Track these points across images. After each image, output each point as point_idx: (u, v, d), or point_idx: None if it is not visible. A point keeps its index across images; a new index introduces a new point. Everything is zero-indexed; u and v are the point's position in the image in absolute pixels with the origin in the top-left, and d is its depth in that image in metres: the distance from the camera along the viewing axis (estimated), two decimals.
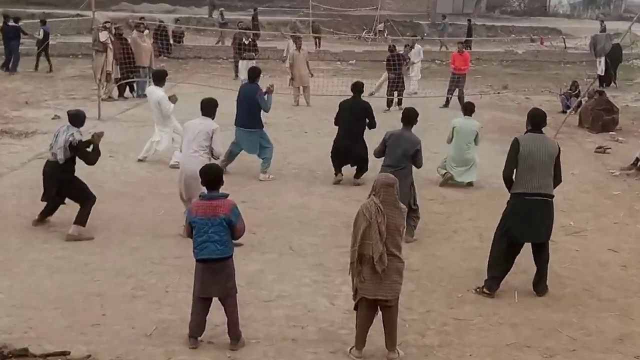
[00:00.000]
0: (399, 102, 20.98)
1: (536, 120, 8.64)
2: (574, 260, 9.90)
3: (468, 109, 13.37)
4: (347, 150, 12.98)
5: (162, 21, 32.52)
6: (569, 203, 12.38)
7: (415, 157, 10.26)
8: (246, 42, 22.84)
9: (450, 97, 21.70)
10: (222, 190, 7.28)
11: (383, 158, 10.50)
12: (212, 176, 7.20)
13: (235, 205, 7.14)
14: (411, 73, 23.22)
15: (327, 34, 40.34)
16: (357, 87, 13.30)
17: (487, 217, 11.39)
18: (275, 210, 11.57)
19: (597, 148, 16.63)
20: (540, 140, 8.46)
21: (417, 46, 23.69)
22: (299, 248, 9.99)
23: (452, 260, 9.77)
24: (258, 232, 10.39)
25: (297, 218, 11.24)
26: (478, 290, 8.68)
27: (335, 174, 13.14)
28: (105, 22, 21.09)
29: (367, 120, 13.03)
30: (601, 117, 18.88)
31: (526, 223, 8.44)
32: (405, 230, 7.16)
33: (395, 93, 21.18)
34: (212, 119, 10.37)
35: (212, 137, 10.11)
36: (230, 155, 13.29)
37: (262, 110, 13.19)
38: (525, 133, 8.68)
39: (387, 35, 38.85)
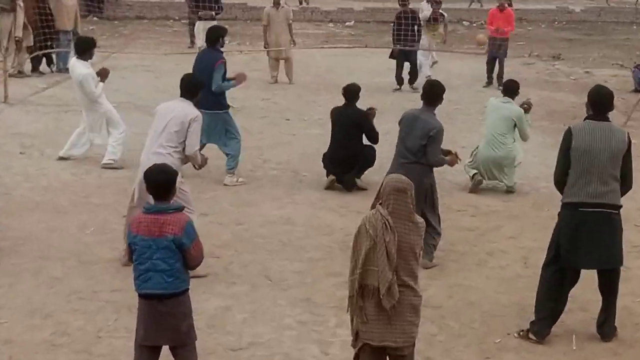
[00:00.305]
0: (412, 79, 20.99)
1: (599, 101, 8.48)
2: None
3: (509, 89, 13.38)
4: (343, 164, 13.12)
5: None
6: None
7: (426, 147, 10.05)
8: None
9: (491, 72, 21.64)
10: (175, 200, 7.25)
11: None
12: (160, 181, 7.06)
13: (190, 222, 7.03)
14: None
15: None
16: (349, 93, 13.25)
17: (533, 234, 11.44)
18: (247, 225, 11.58)
19: None
20: (602, 131, 8.32)
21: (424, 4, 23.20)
22: (278, 277, 9.98)
23: (487, 292, 9.78)
24: (223, 255, 10.39)
25: (276, 236, 11.23)
26: (522, 334, 8.69)
27: (328, 175, 13.18)
28: None
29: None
30: None
31: (581, 243, 8.36)
32: (422, 252, 7.15)
33: (407, 65, 21.16)
34: (195, 104, 10.03)
35: (188, 130, 9.66)
36: None
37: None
38: (584, 120, 8.56)
39: None
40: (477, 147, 13.37)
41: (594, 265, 8.55)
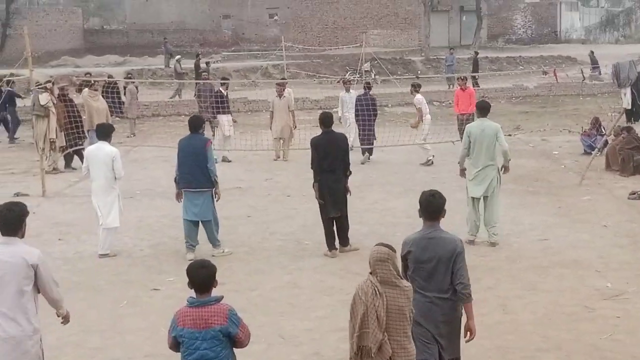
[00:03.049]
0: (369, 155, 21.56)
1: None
2: (616, 330, 9.83)
3: (484, 109, 13.43)
4: (333, 195, 13.02)
5: (111, 76, 32.79)
6: (603, 261, 12.41)
7: (456, 269, 7.36)
8: (224, 93, 22.71)
9: None
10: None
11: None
12: (202, 277, 6.63)
13: (232, 310, 6.65)
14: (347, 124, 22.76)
15: (306, 77, 40.81)
16: (326, 122, 13.31)
17: (509, 284, 11.41)
18: (260, 291, 11.53)
19: (631, 194, 16.75)
20: None
21: (353, 92, 23.22)
22: (290, 335, 9.92)
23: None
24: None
25: (285, 299, 11.19)
26: None
27: (330, 251, 13.13)
28: (46, 82, 21.21)
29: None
30: (632, 158, 19.09)
31: None
32: (412, 315, 6.91)
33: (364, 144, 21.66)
34: (20, 236, 7.20)
35: (37, 276, 7.20)
36: (191, 233, 13.09)
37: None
38: None
39: (375, 76, 39.37)
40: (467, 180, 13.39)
41: None
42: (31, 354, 7.13)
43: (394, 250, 6.91)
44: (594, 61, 41.43)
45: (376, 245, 6.98)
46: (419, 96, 21.15)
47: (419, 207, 7.51)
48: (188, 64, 42.25)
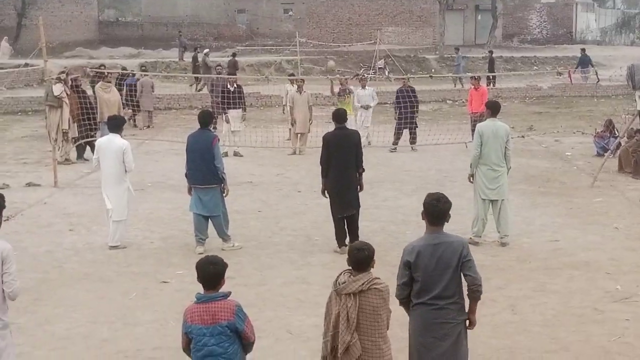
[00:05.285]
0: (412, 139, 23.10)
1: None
2: (625, 332, 9.79)
3: (495, 109, 13.26)
4: (345, 193, 12.96)
5: (124, 68, 32.84)
6: (614, 263, 12.37)
7: (466, 273, 7.10)
8: (231, 89, 22.71)
9: None
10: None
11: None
12: (210, 273, 6.67)
13: (239, 306, 6.72)
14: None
15: (319, 74, 40.79)
16: (339, 117, 13.28)
17: (519, 284, 11.38)
18: (269, 286, 11.54)
19: None
20: None
21: (369, 88, 24.17)
22: (298, 330, 9.93)
23: (481, 338, 9.66)
24: (249, 313, 10.20)
25: (294, 295, 11.20)
26: None
27: (340, 247, 13.09)
28: (60, 73, 21.23)
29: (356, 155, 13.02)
30: None
31: None
32: (389, 316, 6.88)
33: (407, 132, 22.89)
34: None
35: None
36: (200, 227, 13.12)
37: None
38: None
39: (388, 73, 39.32)
40: (477, 190, 13.32)
41: None
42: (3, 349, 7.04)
43: (373, 249, 6.99)
44: (585, 61, 40.28)
45: (354, 244, 7.13)
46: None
47: (422, 210, 7.22)
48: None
